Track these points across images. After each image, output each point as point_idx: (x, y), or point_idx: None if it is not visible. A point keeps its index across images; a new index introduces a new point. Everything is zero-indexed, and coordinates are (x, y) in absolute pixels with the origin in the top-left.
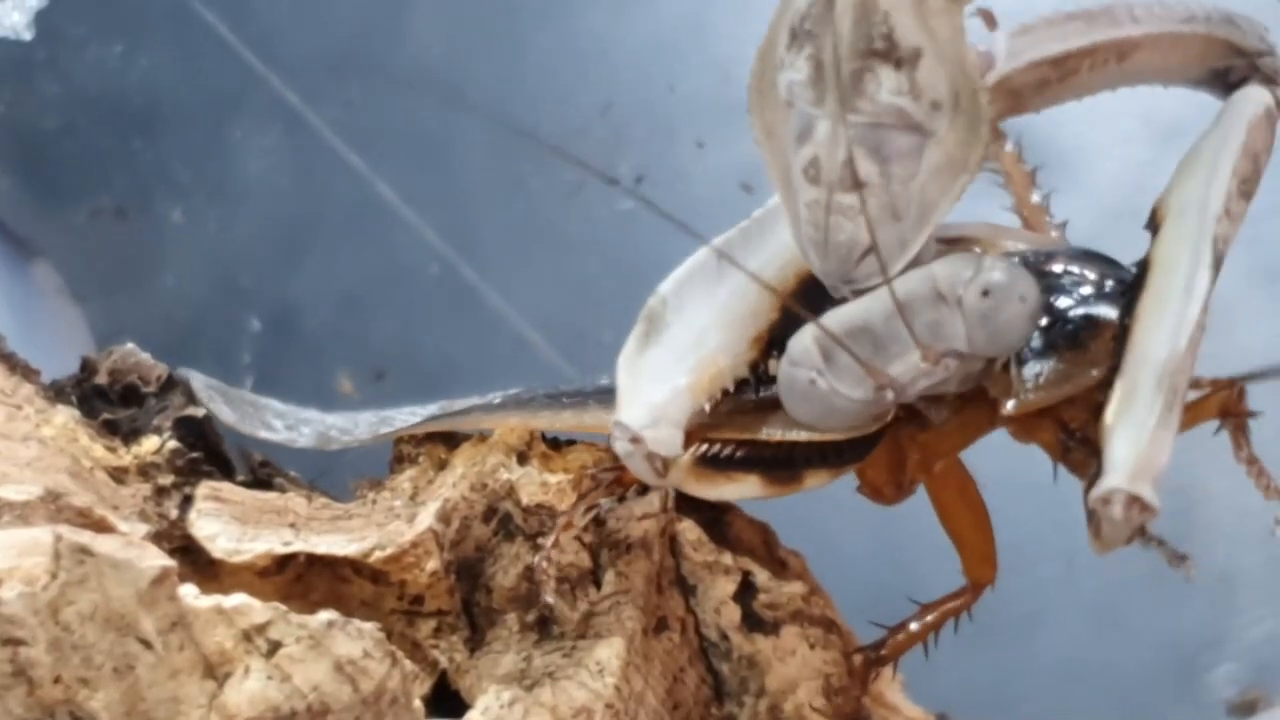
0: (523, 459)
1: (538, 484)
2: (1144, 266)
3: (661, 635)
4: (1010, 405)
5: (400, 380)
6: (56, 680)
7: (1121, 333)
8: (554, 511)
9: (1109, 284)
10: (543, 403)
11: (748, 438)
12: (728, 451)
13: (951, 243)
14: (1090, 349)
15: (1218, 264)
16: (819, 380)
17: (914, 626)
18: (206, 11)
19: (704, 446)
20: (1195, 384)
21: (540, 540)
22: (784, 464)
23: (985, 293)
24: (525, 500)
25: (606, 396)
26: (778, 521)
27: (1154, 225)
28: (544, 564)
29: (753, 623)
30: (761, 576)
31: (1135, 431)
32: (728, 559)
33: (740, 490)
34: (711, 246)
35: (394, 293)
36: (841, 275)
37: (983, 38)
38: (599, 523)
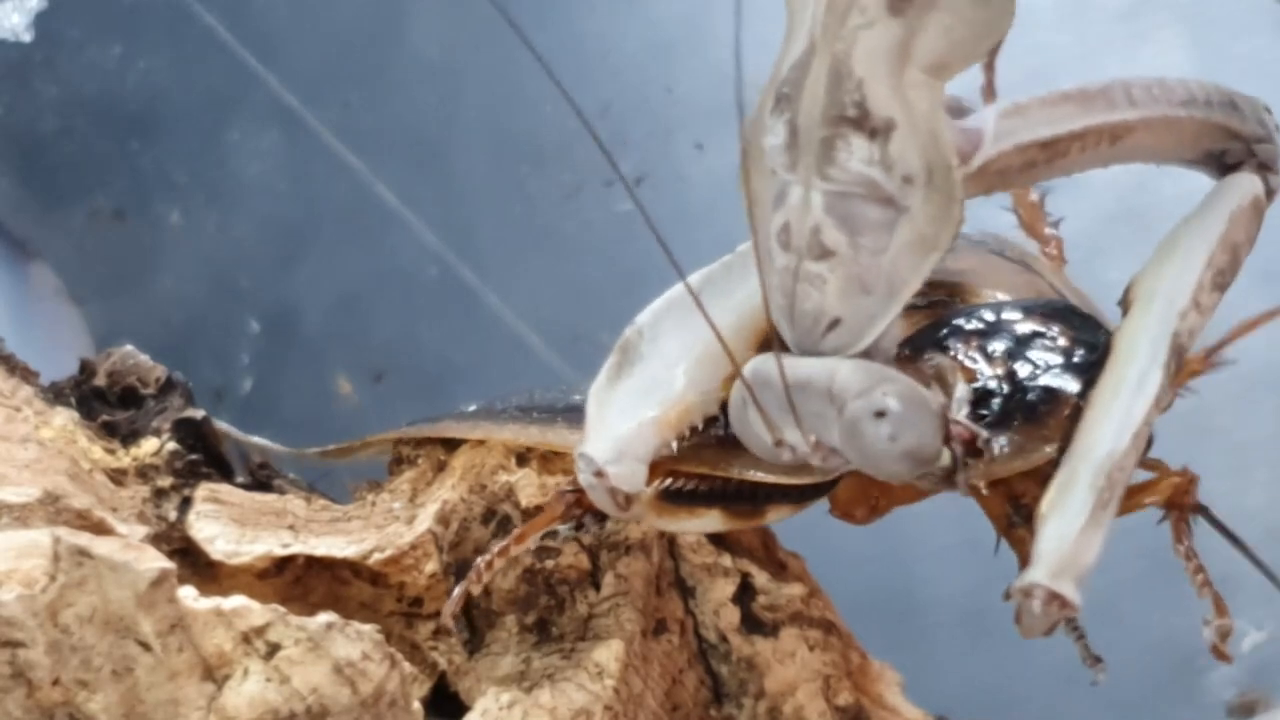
0: (522, 461)
1: (537, 486)
2: (1106, 350)
3: (661, 637)
4: (961, 480)
5: (399, 381)
6: (55, 682)
7: (1075, 415)
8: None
9: (1078, 353)
10: (512, 415)
11: (713, 474)
12: (690, 486)
13: (935, 287)
14: (1047, 423)
15: (1178, 356)
16: (743, 418)
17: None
18: (205, 13)
19: (667, 481)
20: (1152, 466)
21: (540, 542)
22: (746, 498)
23: (877, 415)
24: (524, 502)
25: (574, 415)
26: (777, 523)
27: (1124, 307)
28: (476, 573)
29: (752, 624)
30: (761, 578)
31: (1064, 527)
32: (727, 561)
33: (702, 524)
34: (687, 284)
35: (393, 294)
36: (808, 346)
37: (973, 117)
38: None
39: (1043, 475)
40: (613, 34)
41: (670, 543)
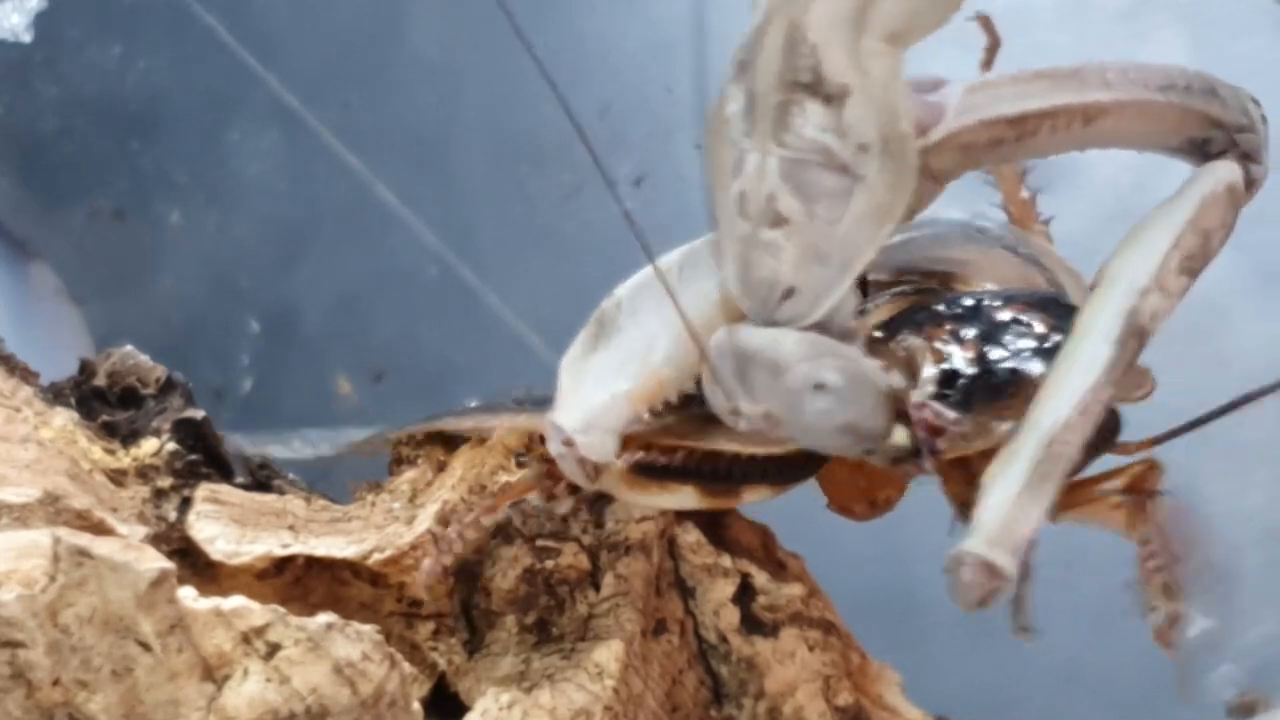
0: (522, 461)
1: None
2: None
3: (660, 637)
4: (922, 459)
5: (399, 381)
6: (55, 683)
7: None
8: (553, 514)
9: (1053, 339)
10: (507, 406)
11: (686, 445)
12: (664, 461)
13: (928, 276)
14: (1011, 404)
15: (1140, 337)
16: (711, 391)
17: None
18: (205, 13)
19: (639, 454)
20: (1122, 449)
21: (539, 543)
22: (723, 477)
23: (816, 388)
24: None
25: None
26: (777, 523)
27: (1091, 288)
28: (446, 543)
29: (752, 625)
30: (760, 578)
31: (1002, 496)
32: (726, 561)
33: (676, 500)
34: (656, 267)
35: (392, 294)
36: (763, 315)
37: (941, 91)
38: (598, 525)
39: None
40: (613, 34)
41: (670, 543)
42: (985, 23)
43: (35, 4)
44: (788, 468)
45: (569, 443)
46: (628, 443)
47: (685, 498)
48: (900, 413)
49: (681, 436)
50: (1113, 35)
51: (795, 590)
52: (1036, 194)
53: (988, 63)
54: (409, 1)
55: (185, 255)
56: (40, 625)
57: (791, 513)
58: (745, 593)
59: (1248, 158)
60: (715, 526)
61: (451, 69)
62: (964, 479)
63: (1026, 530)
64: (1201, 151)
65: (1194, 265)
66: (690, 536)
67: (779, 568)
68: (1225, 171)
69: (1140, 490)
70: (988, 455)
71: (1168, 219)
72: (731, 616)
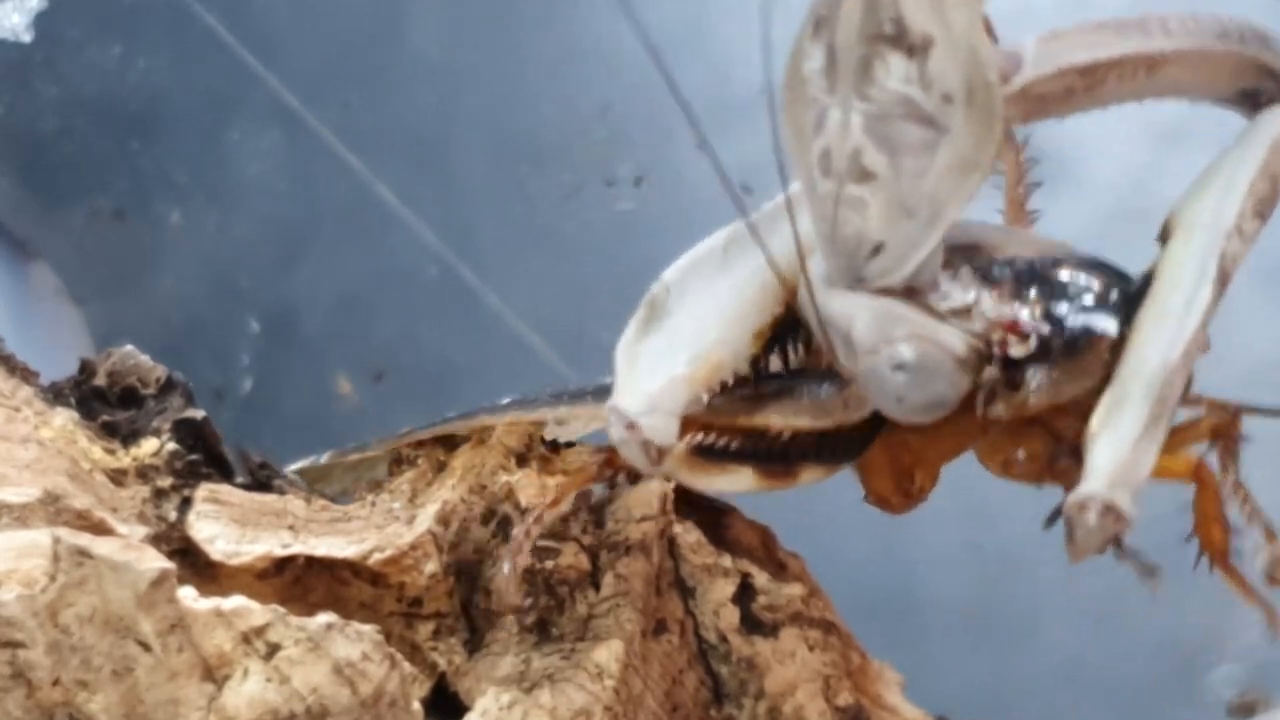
0: (522, 461)
1: (537, 486)
2: (1148, 279)
3: (660, 637)
4: (999, 408)
5: (399, 381)
6: (55, 683)
7: (1115, 349)
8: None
9: (1112, 295)
10: (545, 400)
11: (744, 426)
12: (723, 443)
13: (954, 250)
14: (1086, 359)
15: (1224, 280)
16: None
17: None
18: (205, 13)
19: (699, 436)
20: (1194, 402)
21: (539, 543)
22: (779, 458)
23: (895, 368)
24: (524, 502)
25: (604, 394)
26: (777, 523)
27: (1164, 238)
28: (516, 545)
29: (752, 625)
30: (761, 578)
31: (1118, 439)
32: (727, 561)
33: (734, 482)
34: (746, 222)
35: (393, 294)
36: (851, 272)
37: (1013, 40)
38: (598, 525)
39: (1082, 410)
40: (613, 34)
41: (670, 543)
42: (985, 24)
43: (35, 4)
44: (840, 445)
45: (632, 426)
46: (685, 426)
47: (743, 479)
48: (982, 359)
49: (735, 417)
50: None
51: (795, 590)
52: (1031, 186)
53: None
54: (409, 1)
55: (185, 255)
56: (40, 625)
57: (792, 513)
58: (745, 593)
59: None
60: (715, 526)
61: (451, 69)
62: (1042, 435)
63: (1144, 471)
64: (1253, 101)
65: (1264, 209)
66: (690, 536)
67: (779, 568)
68: None
69: (1227, 436)
70: (1063, 411)
71: (1239, 164)
72: (731, 616)
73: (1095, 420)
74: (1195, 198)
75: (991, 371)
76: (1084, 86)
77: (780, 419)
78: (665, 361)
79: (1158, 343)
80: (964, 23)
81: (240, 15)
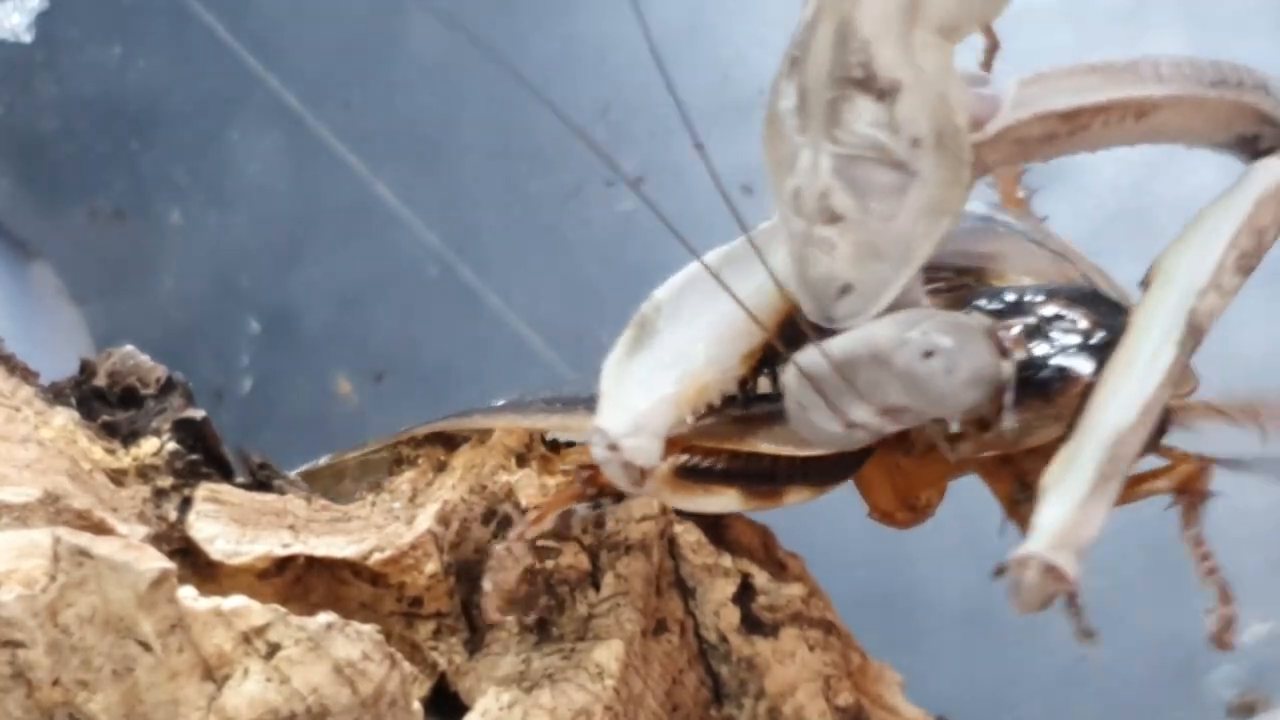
0: (522, 461)
1: (537, 486)
2: (1125, 329)
3: (661, 637)
4: (963, 446)
5: (399, 381)
6: (55, 683)
7: (1087, 394)
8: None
9: (1098, 335)
10: (538, 406)
11: (730, 448)
12: (708, 464)
13: (962, 272)
14: (1057, 402)
15: (1195, 337)
16: (802, 409)
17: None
18: (205, 13)
19: (684, 458)
20: (1165, 453)
21: (540, 543)
22: (766, 479)
23: (926, 355)
24: (524, 502)
25: (595, 405)
26: (777, 523)
27: (1145, 285)
28: (498, 561)
29: (752, 625)
30: (760, 578)
31: (1065, 499)
32: (727, 561)
33: (719, 504)
34: (704, 264)
35: (393, 294)
36: (820, 312)
37: (997, 82)
38: (598, 525)
39: (1050, 454)
40: (613, 34)
41: (670, 543)
42: (991, 50)
43: (35, 4)
44: (828, 468)
45: (614, 447)
46: (670, 446)
47: (729, 500)
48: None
49: (723, 439)
50: (1113, 35)
51: (795, 590)
52: (1032, 194)
53: (986, 64)
54: (409, 2)
55: (186, 255)
56: (40, 625)
57: (791, 513)
58: (745, 593)
59: None
60: (715, 526)
61: (451, 69)
62: (1010, 476)
63: (1090, 532)
64: (1251, 148)
65: (1248, 263)
66: (690, 536)
67: (779, 568)
68: (1279, 168)
69: (1192, 491)
70: (1034, 453)
71: (1223, 216)
72: (732, 616)
73: (1048, 476)
74: (1176, 250)
75: (1009, 367)
76: (1066, 131)
77: (769, 444)
78: (652, 381)
79: (1116, 400)
80: (934, 68)
81: (240, 15)
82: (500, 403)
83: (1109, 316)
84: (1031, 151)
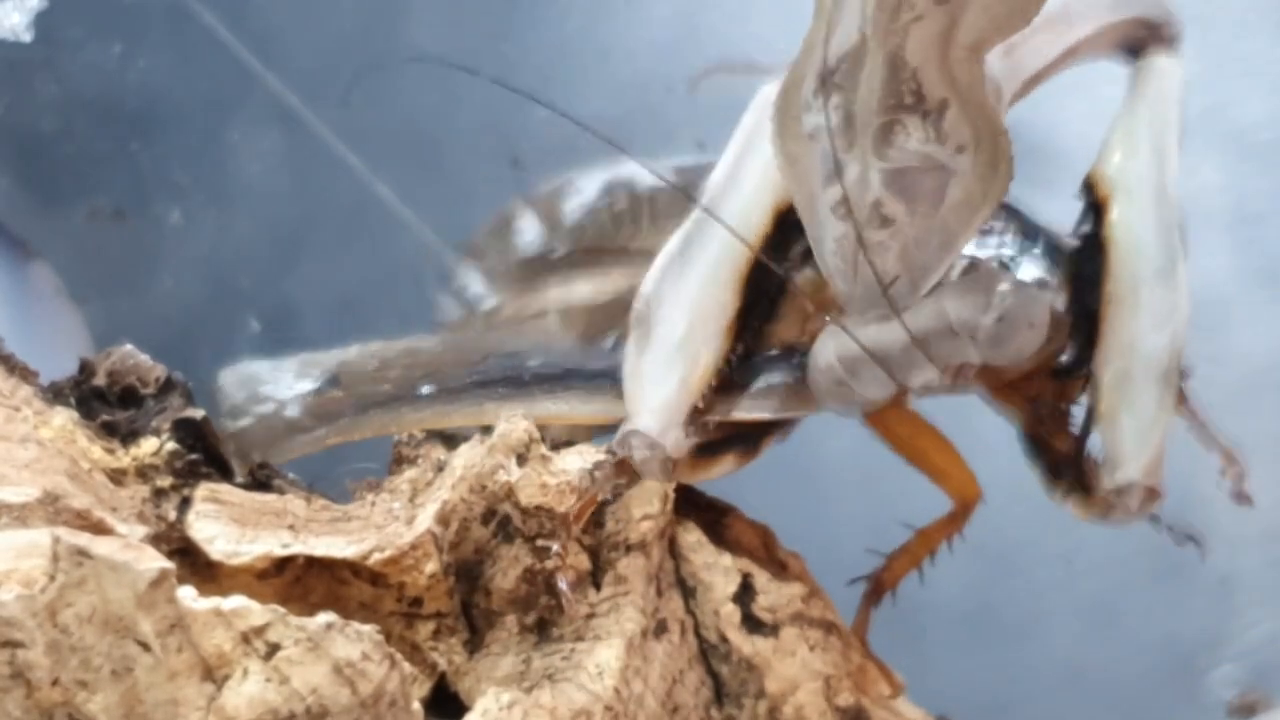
0: (521, 460)
1: (537, 486)
2: (1098, 245)
3: (661, 637)
4: (965, 378)
5: None
6: (55, 683)
7: (1083, 313)
8: (553, 513)
9: (1051, 253)
10: (471, 392)
11: (726, 420)
12: (712, 439)
13: None
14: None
15: (1184, 237)
16: (843, 387)
17: (910, 550)
18: (205, 13)
19: (696, 439)
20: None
21: (540, 543)
22: (752, 439)
23: (999, 319)
24: (524, 502)
25: (548, 384)
26: (777, 523)
27: (1095, 200)
28: (556, 563)
29: (752, 624)
30: (761, 578)
31: (1142, 425)
32: (727, 560)
33: (720, 470)
34: (704, 208)
35: (392, 294)
36: (870, 302)
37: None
38: (598, 524)
39: (1046, 370)
40: (613, 34)
41: (670, 543)
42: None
43: (35, 4)
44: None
45: (654, 445)
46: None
47: (726, 465)
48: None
49: (718, 412)
50: None
51: (795, 590)
52: None
53: None
54: (408, 3)
55: (185, 255)
56: (40, 625)
57: (791, 513)
58: (745, 592)
59: (1172, 48)
60: (715, 526)
61: (451, 69)
62: (1021, 401)
63: (1163, 447)
64: (1134, 50)
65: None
66: (690, 536)
67: (779, 568)
68: (1174, 67)
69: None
70: (1029, 376)
71: (1144, 118)
72: (732, 616)
73: (1104, 405)
74: (1123, 158)
75: (1061, 304)
76: (1033, 85)
77: (760, 411)
78: (663, 376)
79: (1144, 321)
80: (970, 81)
81: (240, 15)
82: (425, 390)
83: (1034, 228)
84: (1009, 107)
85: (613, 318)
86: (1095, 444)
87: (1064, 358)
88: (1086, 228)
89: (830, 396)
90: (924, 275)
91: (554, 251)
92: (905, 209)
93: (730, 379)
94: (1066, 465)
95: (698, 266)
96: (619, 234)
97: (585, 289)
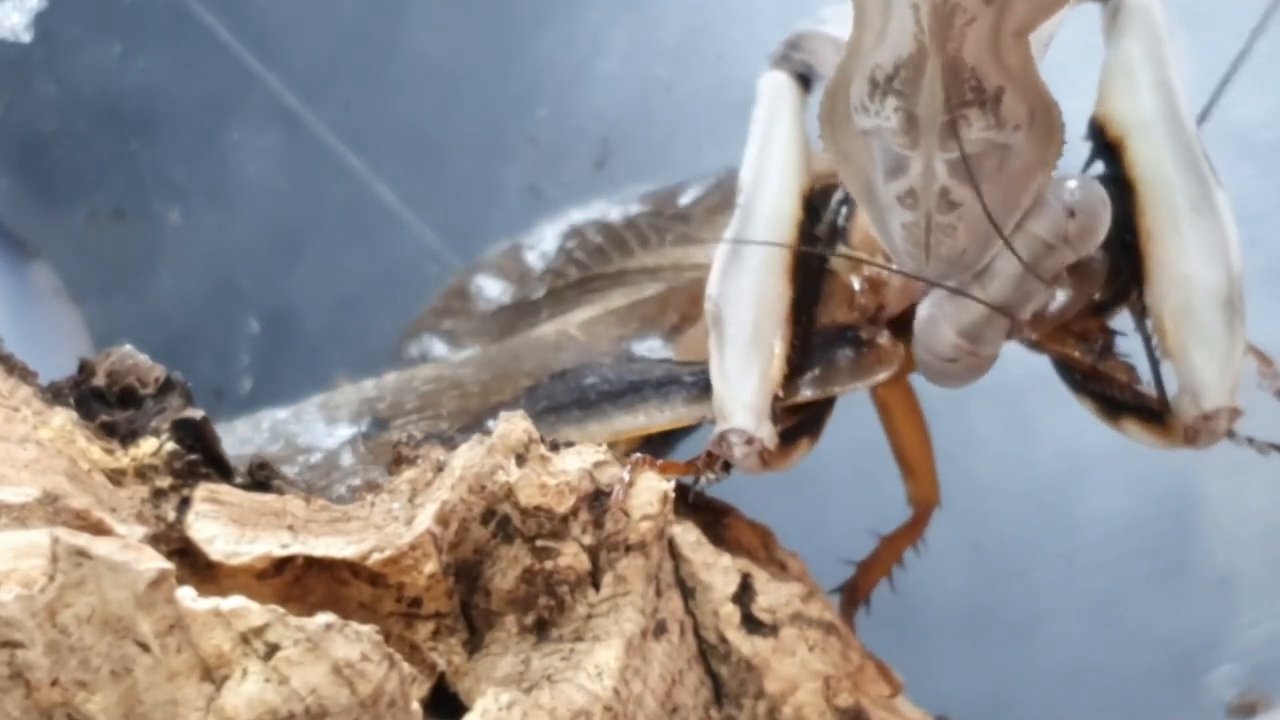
0: (521, 461)
1: (536, 486)
2: (1122, 184)
3: (660, 638)
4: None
5: None
6: (54, 683)
7: (1123, 249)
8: (552, 513)
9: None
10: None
11: (796, 404)
12: (788, 426)
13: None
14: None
15: (1211, 164)
16: (966, 359)
17: (880, 559)
18: (205, 12)
19: (779, 426)
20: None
21: (539, 543)
22: (815, 421)
23: (1081, 213)
24: (524, 502)
25: (669, 387)
26: (777, 523)
27: (1107, 141)
28: (622, 493)
29: (752, 625)
30: (760, 578)
31: (1217, 354)
32: (726, 561)
33: (798, 455)
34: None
35: (392, 294)
36: (946, 275)
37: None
38: (598, 525)
39: (1091, 309)
40: (613, 34)
41: (670, 543)
42: None
43: (35, 4)
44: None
45: (751, 440)
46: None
47: (803, 449)
48: None
49: (791, 399)
50: None
51: (795, 590)
52: None
53: None
54: (409, 1)
55: (185, 254)
56: (39, 625)
57: (791, 513)
58: (745, 593)
59: None
60: (715, 526)
61: (451, 69)
62: (1074, 341)
63: (1240, 365)
64: None
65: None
66: (690, 536)
67: (779, 568)
68: (1154, 3)
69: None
70: (1077, 318)
71: (1137, 55)
72: (732, 616)
73: (1176, 338)
74: (1129, 99)
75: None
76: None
77: (830, 389)
78: (745, 371)
79: (1192, 253)
80: (1021, 63)
81: (240, 15)
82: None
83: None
84: None
85: (642, 318)
86: (1166, 374)
87: (1099, 296)
88: (1101, 169)
89: (944, 376)
90: (989, 244)
91: (534, 293)
92: (970, 192)
93: (798, 364)
94: (1130, 397)
95: (751, 261)
96: (609, 263)
97: (588, 312)
